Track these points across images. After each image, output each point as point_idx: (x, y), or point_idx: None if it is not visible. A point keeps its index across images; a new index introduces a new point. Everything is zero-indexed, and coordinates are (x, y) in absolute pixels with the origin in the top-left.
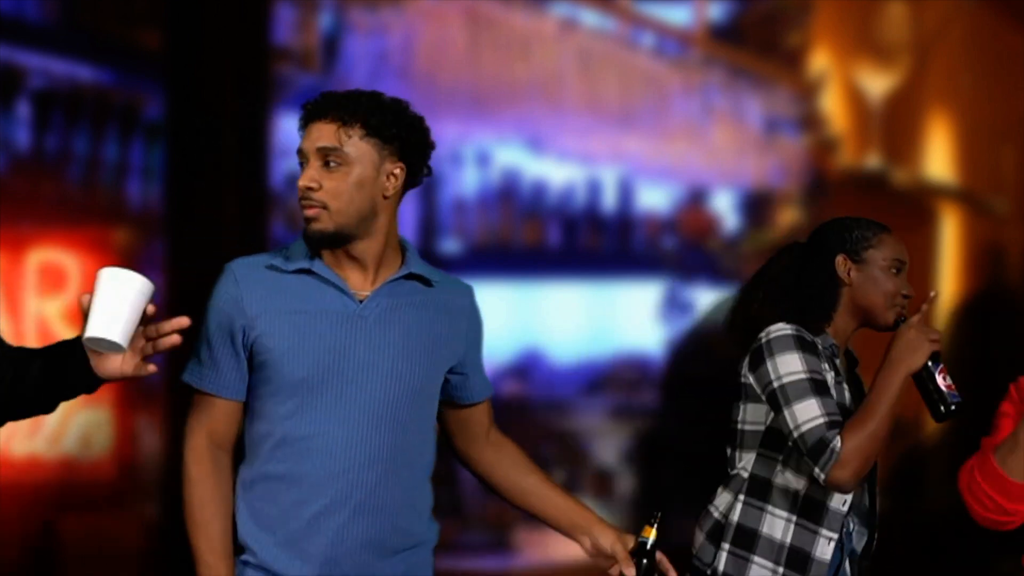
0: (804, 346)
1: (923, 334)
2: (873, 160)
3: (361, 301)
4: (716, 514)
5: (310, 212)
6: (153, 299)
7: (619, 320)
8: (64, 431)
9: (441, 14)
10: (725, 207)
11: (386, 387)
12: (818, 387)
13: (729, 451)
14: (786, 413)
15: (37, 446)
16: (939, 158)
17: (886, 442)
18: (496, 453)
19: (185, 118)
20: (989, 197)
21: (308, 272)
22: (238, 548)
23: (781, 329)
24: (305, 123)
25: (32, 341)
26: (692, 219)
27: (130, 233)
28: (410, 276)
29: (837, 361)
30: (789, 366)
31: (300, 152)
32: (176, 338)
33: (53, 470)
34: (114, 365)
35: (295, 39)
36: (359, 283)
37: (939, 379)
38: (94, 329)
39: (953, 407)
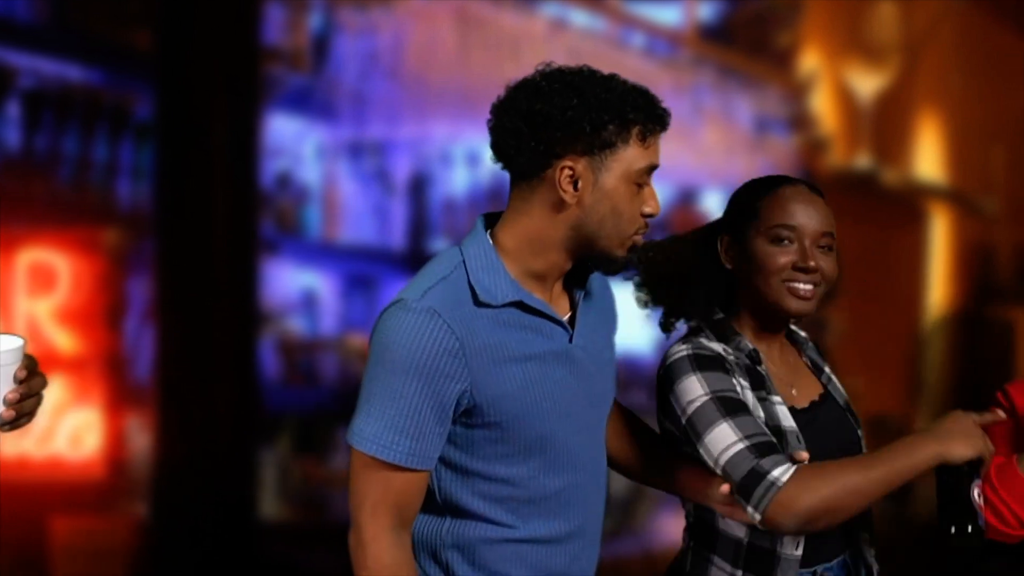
0: (701, 363)
1: (982, 432)
2: (863, 160)
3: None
4: (680, 559)
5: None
6: (22, 361)
7: None
8: (54, 431)
9: (431, 14)
10: (715, 207)
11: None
12: (728, 406)
13: None
14: (701, 450)
15: (27, 446)
16: (929, 158)
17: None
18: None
19: (175, 118)
20: (979, 197)
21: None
22: None
23: (675, 353)
24: (648, 135)
25: None
26: (682, 219)
27: (120, 233)
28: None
29: (763, 368)
30: (689, 393)
31: (646, 171)
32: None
33: (43, 470)
34: None
35: (285, 39)
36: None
37: (975, 491)
38: None
39: (976, 529)
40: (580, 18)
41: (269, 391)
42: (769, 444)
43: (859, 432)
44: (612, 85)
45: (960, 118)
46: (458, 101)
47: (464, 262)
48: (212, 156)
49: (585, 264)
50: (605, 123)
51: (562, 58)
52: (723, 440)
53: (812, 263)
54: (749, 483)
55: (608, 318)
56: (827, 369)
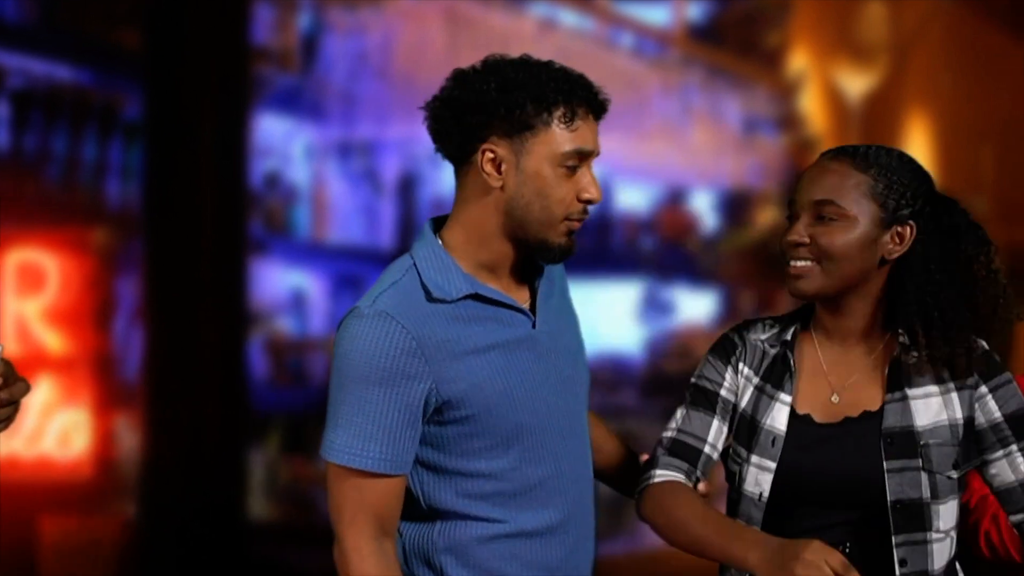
0: (717, 348)
1: (823, 566)
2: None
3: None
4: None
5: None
6: None
7: (598, 320)
8: (43, 431)
9: (420, 14)
10: (704, 207)
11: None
12: (694, 396)
13: None
14: None
15: (15, 446)
16: (918, 158)
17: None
18: None
19: (164, 118)
20: (968, 197)
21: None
22: None
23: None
24: (573, 117)
25: (11, 341)
26: (671, 219)
27: (109, 233)
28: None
29: (791, 358)
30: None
31: (574, 155)
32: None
33: (31, 470)
34: None
35: (274, 39)
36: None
37: None
38: None
39: None
40: (569, 18)
41: (258, 391)
42: (684, 446)
43: (882, 466)
44: (539, 69)
45: (949, 118)
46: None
47: (415, 264)
48: (201, 156)
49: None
50: (521, 104)
51: (550, 58)
52: (669, 423)
53: (795, 237)
54: (645, 468)
55: (570, 306)
56: (912, 391)
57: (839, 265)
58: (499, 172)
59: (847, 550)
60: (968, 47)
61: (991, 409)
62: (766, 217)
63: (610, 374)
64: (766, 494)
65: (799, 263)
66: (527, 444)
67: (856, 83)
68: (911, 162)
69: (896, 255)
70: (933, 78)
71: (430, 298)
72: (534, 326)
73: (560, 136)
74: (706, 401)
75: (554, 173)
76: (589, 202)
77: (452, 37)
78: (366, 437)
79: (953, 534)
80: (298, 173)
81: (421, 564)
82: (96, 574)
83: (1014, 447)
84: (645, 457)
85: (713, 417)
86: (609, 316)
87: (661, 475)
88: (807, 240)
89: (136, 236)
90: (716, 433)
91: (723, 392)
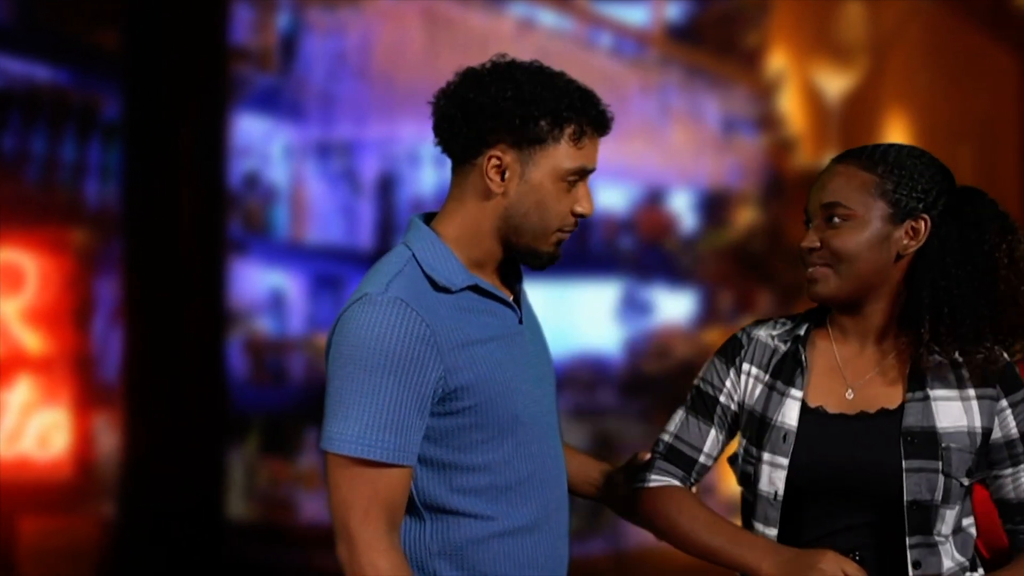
0: (722, 349)
1: (839, 574)
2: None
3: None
4: None
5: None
6: None
7: (577, 320)
8: (22, 431)
9: (399, 14)
10: (683, 207)
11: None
12: (694, 400)
13: None
14: None
15: None
16: None
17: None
18: None
19: (143, 118)
20: None
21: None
22: None
23: None
24: (582, 136)
25: None
26: (650, 219)
27: (88, 233)
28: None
29: (803, 358)
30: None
31: (576, 172)
32: None
33: (10, 470)
34: None
35: (253, 39)
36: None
37: None
38: None
39: None
40: (548, 18)
41: (237, 391)
42: (680, 454)
43: (901, 464)
44: (553, 82)
45: (927, 118)
46: (426, 101)
47: (414, 255)
48: (180, 156)
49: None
50: (536, 118)
51: (529, 58)
52: (668, 424)
53: (807, 243)
54: (641, 469)
55: (532, 308)
56: (934, 392)
57: (853, 266)
58: (502, 179)
59: (858, 557)
60: (946, 47)
61: (1009, 424)
62: (745, 217)
63: (589, 374)
64: (781, 492)
65: (813, 268)
66: (520, 437)
67: (835, 83)
68: (922, 156)
69: (912, 250)
70: (911, 78)
71: (435, 287)
72: (520, 321)
73: (567, 153)
74: (705, 408)
75: (555, 187)
76: (582, 215)
77: (431, 37)
78: (379, 427)
79: (952, 539)
80: (277, 173)
81: (414, 567)
82: (75, 574)
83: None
84: (646, 456)
85: (711, 427)
86: (588, 316)
87: (657, 479)
88: (818, 244)
89: (115, 236)
90: (712, 443)
91: (722, 398)
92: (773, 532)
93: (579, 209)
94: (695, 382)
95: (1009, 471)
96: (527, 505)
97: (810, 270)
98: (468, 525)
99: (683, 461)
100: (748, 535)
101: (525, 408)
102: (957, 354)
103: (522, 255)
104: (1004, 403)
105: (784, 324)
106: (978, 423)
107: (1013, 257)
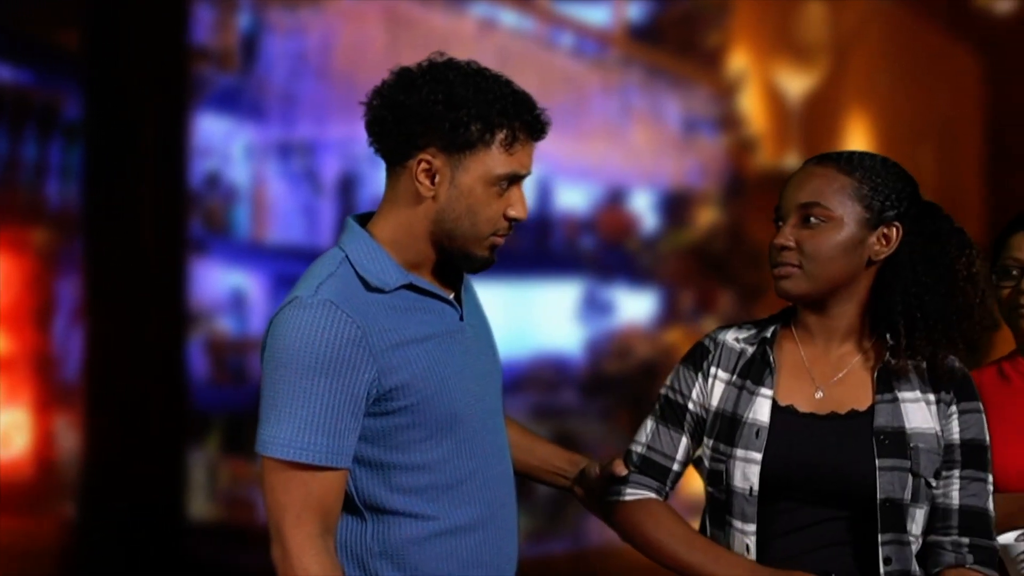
0: (688, 355)
1: None
2: (792, 160)
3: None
4: None
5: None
6: None
7: (538, 320)
8: None
9: (360, 14)
10: (644, 207)
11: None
12: (663, 409)
13: None
14: None
15: None
16: None
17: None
18: None
19: (104, 118)
20: None
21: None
22: None
23: None
24: (514, 142)
25: None
26: (611, 219)
27: (49, 233)
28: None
29: (771, 358)
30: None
31: (508, 178)
32: None
33: None
34: None
35: (214, 39)
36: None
37: None
38: None
39: None
40: (509, 18)
41: (198, 391)
42: (654, 464)
43: (874, 463)
44: (487, 86)
45: (888, 118)
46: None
47: (347, 257)
48: (141, 156)
49: None
50: (466, 123)
51: (491, 58)
52: (638, 435)
53: (782, 240)
54: (616, 482)
55: (480, 305)
56: (902, 394)
57: (825, 267)
58: (432, 183)
59: None
60: (907, 47)
61: (952, 429)
62: (706, 217)
63: (550, 374)
64: (756, 488)
65: (783, 267)
66: (459, 436)
67: (796, 83)
68: (895, 166)
69: (883, 256)
70: (872, 78)
71: (368, 288)
72: (461, 319)
73: (498, 158)
74: (675, 416)
75: (486, 192)
76: (515, 220)
77: (392, 37)
78: (312, 430)
79: (920, 541)
80: (238, 173)
81: (355, 567)
82: (36, 574)
83: (956, 473)
84: (622, 470)
85: (682, 435)
86: (549, 316)
87: (633, 493)
88: (793, 244)
89: (76, 236)
90: (684, 451)
91: (691, 406)
92: (751, 528)
93: (512, 213)
94: (662, 391)
95: (943, 474)
96: (470, 504)
97: (780, 268)
98: (409, 525)
99: (657, 471)
100: (726, 552)
101: (466, 406)
102: (924, 359)
103: (456, 258)
104: (954, 408)
105: (749, 328)
106: (938, 426)
107: (970, 271)
